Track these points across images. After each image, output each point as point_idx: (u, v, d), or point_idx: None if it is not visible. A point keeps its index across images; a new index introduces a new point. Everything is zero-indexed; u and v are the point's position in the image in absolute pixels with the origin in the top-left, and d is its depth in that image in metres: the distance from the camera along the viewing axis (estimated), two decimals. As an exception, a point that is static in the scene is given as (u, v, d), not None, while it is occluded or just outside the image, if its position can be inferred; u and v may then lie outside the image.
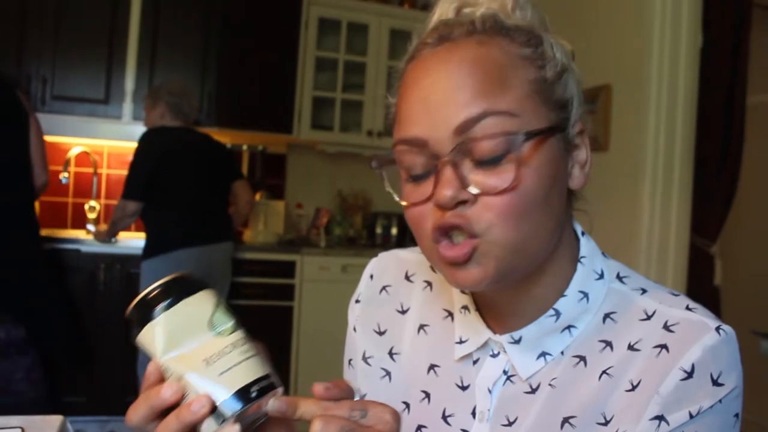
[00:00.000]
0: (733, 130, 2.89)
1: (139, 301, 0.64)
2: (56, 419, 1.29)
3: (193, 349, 0.62)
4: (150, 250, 3.40)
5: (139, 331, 0.64)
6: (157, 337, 0.63)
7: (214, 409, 0.61)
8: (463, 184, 0.67)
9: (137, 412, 0.64)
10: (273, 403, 0.63)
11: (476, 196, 0.67)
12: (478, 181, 0.67)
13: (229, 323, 0.64)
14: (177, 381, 0.62)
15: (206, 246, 3.47)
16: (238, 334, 0.64)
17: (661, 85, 2.87)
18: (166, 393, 0.62)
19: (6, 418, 1.34)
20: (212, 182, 3.56)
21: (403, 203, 0.72)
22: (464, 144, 0.67)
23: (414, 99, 0.70)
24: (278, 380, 0.65)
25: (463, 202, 0.67)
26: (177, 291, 0.64)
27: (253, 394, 0.62)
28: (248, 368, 0.62)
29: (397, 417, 0.67)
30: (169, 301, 0.63)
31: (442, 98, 0.68)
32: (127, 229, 3.78)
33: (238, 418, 0.61)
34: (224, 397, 0.61)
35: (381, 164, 0.74)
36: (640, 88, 2.92)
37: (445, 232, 0.68)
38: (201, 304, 0.64)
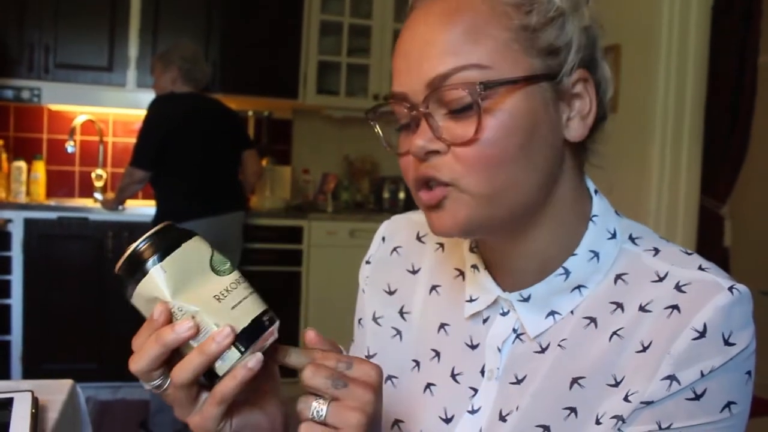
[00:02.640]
0: (744, 91, 2.86)
1: (131, 255, 0.65)
2: (66, 383, 1.31)
3: (201, 288, 0.64)
4: (162, 218, 3.35)
5: (137, 283, 0.64)
6: (163, 281, 0.64)
7: (237, 339, 0.63)
8: (436, 134, 0.69)
9: (146, 354, 0.63)
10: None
11: (448, 147, 0.68)
12: (449, 131, 0.69)
13: (228, 263, 0.66)
14: (190, 317, 0.63)
15: (218, 216, 3.42)
16: (237, 273, 0.66)
17: (671, 45, 2.83)
18: (181, 329, 0.62)
19: (16, 382, 1.36)
20: (223, 151, 3.50)
21: (395, 152, 0.75)
22: (435, 96, 0.69)
23: (398, 53, 0.72)
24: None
25: (436, 152, 0.69)
26: (171, 239, 0.66)
27: (266, 323, 0.65)
28: (255, 301, 0.65)
29: (380, 372, 0.67)
30: (165, 248, 0.64)
31: (418, 53, 0.69)
32: (134, 196, 3.78)
33: (256, 347, 0.64)
34: (242, 326, 0.63)
35: (375, 117, 0.76)
36: (649, 48, 2.88)
37: (423, 182, 0.70)
38: (198, 248, 0.66)
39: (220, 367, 0.63)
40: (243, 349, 0.63)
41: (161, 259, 0.64)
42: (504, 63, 0.67)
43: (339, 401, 0.64)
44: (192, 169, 3.36)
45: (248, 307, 0.65)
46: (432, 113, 0.69)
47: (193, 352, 0.62)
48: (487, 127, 0.67)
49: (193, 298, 0.64)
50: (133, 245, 0.65)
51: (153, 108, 3.35)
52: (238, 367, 0.63)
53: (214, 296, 0.64)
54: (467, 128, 0.67)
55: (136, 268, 0.64)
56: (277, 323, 0.66)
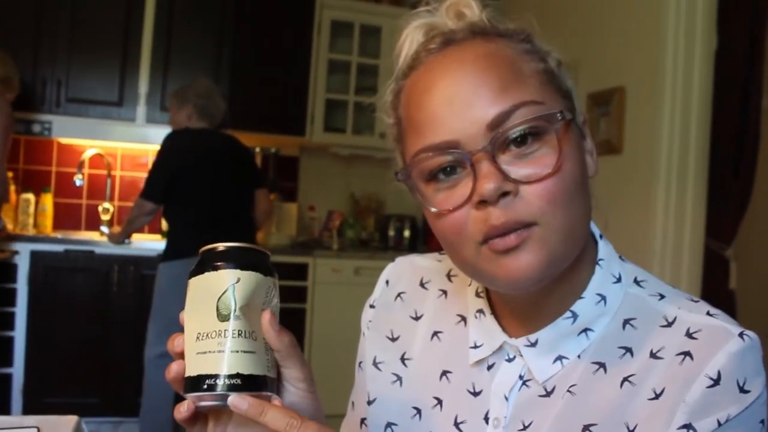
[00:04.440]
0: (748, 133, 2.86)
1: (240, 247, 0.67)
2: (71, 419, 1.30)
3: (198, 319, 0.65)
4: (170, 252, 3.35)
5: (193, 275, 0.67)
6: (189, 292, 0.67)
7: (185, 380, 0.65)
8: (504, 175, 0.66)
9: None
10: (232, 399, 0.62)
11: (518, 187, 0.66)
12: (517, 170, 0.66)
13: (229, 310, 0.64)
14: (181, 336, 0.67)
15: None
16: (237, 325, 0.64)
17: (675, 87, 2.86)
18: (175, 342, 0.67)
19: (21, 418, 1.35)
20: (235, 187, 3.49)
21: (439, 210, 0.69)
22: (498, 137, 0.66)
23: (434, 104, 0.69)
24: (262, 384, 0.65)
25: (506, 194, 0.66)
26: (228, 259, 0.66)
27: (204, 387, 0.63)
28: (220, 360, 0.63)
29: None
30: (213, 264, 0.66)
31: (467, 97, 0.67)
32: (140, 230, 3.79)
33: (196, 399, 0.64)
34: (188, 374, 0.65)
35: (407, 176, 0.72)
36: (654, 90, 2.90)
37: (501, 233, 0.66)
38: (219, 281, 0.65)
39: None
40: (184, 393, 0.65)
41: (193, 274, 0.67)
42: (549, 100, 0.69)
43: None
44: (203, 203, 3.36)
45: (204, 363, 0.63)
46: (494, 155, 0.66)
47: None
48: (564, 159, 0.67)
49: (189, 321, 0.66)
50: (248, 244, 0.68)
51: (167, 141, 3.38)
52: (177, 406, 0.66)
53: (198, 332, 0.64)
54: (541, 163, 0.66)
55: (206, 262, 0.67)
56: (225, 394, 0.63)
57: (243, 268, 0.65)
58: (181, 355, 0.66)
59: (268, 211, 3.78)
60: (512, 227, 0.66)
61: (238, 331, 0.64)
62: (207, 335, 0.64)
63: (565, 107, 0.70)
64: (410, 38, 0.77)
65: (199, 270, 0.66)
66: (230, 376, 0.62)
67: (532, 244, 0.66)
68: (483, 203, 0.66)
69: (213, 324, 0.64)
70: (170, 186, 3.32)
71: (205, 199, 3.36)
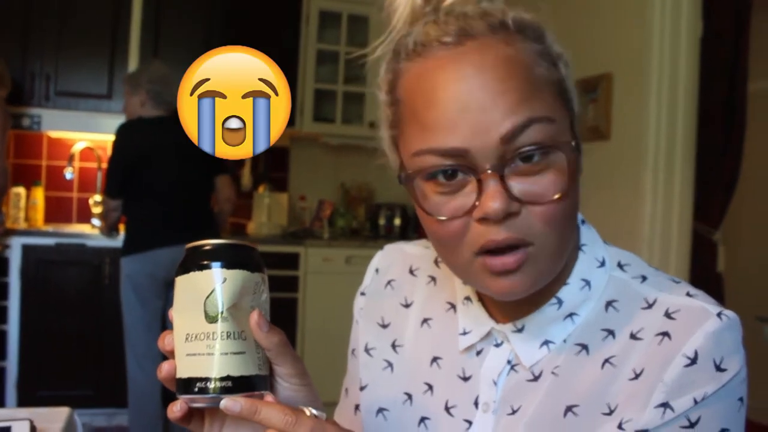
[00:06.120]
0: (735, 117, 2.88)
1: (226, 244, 0.66)
2: (63, 411, 1.31)
3: (186, 319, 0.64)
4: (128, 246, 3.28)
5: (179, 273, 0.66)
6: (176, 290, 0.66)
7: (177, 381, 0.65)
8: (510, 195, 0.65)
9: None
10: (224, 402, 0.61)
11: (521, 207, 0.66)
12: (523, 190, 0.65)
13: (217, 311, 0.63)
14: (171, 335, 0.66)
15: (185, 245, 3.24)
16: (225, 326, 0.63)
17: (662, 73, 2.87)
18: (165, 340, 0.66)
19: (13, 410, 1.36)
20: (194, 177, 3.33)
21: (439, 218, 0.68)
22: (509, 153, 0.65)
23: (447, 107, 0.66)
24: (254, 383, 0.64)
25: (510, 215, 0.65)
26: (214, 258, 0.65)
27: (195, 390, 0.63)
28: (209, 363, 0.63)
29: None
30: (199, 263, 0.64)
31: (483, 105, 0.65)
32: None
33: (188, 400, 0.64)
34: (179, 375, 0.64)
35: (410, 178, 0.70)
36: (641, 76, 2.91)
37: (501, 250, 0.66)
38: (205, 281, 0.64)
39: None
40: (177, 393, 0.65)
41: (181, 272, 0.65)
42: (559, 115, 0.68)
43: None
44: (159, 196, 3.25)
45: (194, 365, 0.63)
46: (502, 172, 0.65)
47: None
48: (571, 185, 0.66)
49: (178, 322, 0.65)
50: (233, 240, 0.66)
51: (119, 134, 3.26)
52: (170, 405, 0.66)
53: (187, 333, 0.64)
54: (548, 185, 0.66)
55: (191, 260, 0.65)
56: (218, 396, 0.63)
57: (229, 266, 0.64)
58: (172, 354, 0.65)
59: (231, 198, 3.59)
60: (511, 243, 0.66)
61: (227, 332, 0.63)
62: (195, 336, 0.63)
63: (570, 119, 0.71)
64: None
65: (185, 269, 0.65)
66: (221, 379, 0.62)
67: (527, 266, 0.67)
68: (485, 220, 0.66)
69: (201, 325, 0.63)
70: (126, 180, 3.23)
71: (160, 192, 3.25)
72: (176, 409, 0.65)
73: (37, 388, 3.67)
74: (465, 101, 0.65)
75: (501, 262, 0.66)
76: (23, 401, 3.62)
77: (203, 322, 0.63)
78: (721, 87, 2.88)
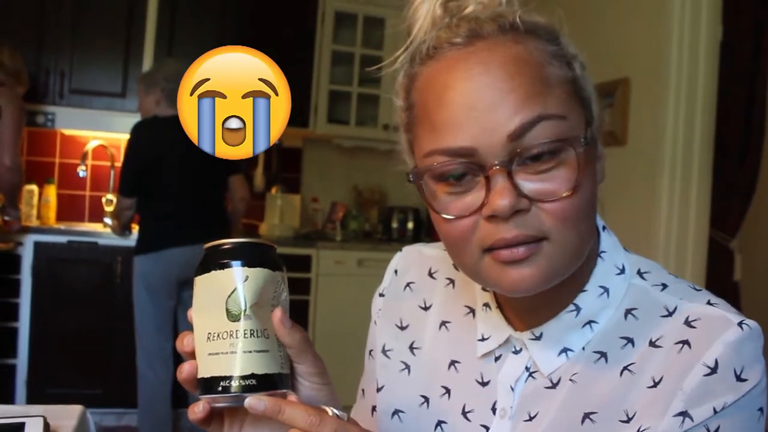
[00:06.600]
0: (754, 124, 2.86)
1: (213, 248, 0.66)
2: (77, 409, 1.32)
3: (207, 318, 0.64)
4: (142, 245, 3.30)
5: (199, 273, 0.66)
6: (195, 290, 0.66)
7: (198, 381, 0.65)
8: (519, 192, 0.65)
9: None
10: (249, 401, 0.61)
11: (530, 204, 0.65)
12: (533, 188, 0.65)
13: (240, 310, 0.63)
14: (191, 335, 0.66)
15: (199, 245, 3.24)
16: (248, 324, 0.63)
17: (680, 78, 2.84)
18: (184, 341, 0.66)
19: (27, 407, 1.36)
20: (208, 176, 3.33)
21: (448, 216, 0.68)
22: (518, 151, 0.65)
23: (455, 106, 0.66)
24: (277, 382, 0.64)
25: (519, 211, 0.65)
26: (234, 256, 0.64)
27: (219, 389, 0.62)
28: (232, 361, 0.62)
29: None
30: (220, 262, 0.64)
31: (491, 103, 0.65)
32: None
33: (210, 400, 0.64)
34: (201, 375, 0.64)
35: (419, 177, 0.71)
36: (658, 81, 2.89)
37: (509, 245, 0.66)
38: (227, 279, 0.64)
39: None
40: (198, 394, 0.65)
41: (200, 272, 0.65)
42: (572, 114, 0.68)
43: None
44: (173, 195, 3.26)
45: (217, 364, 0.63)
46: (511, 169, 0.65)
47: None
48: (582, 180, 0.66)
49: (198, 322, 0.65)
50: (253, 239, 0.66)
51: (134, 134, 3.27)
52: (191, 406, 0.65)
53: (209, 333, 0.63)
54: (559, 182, 0.65)
55: (210, 259, 0.65)
56: (241, 395, 0.63)
57: (251, 265, 0.64)
58: (191, 355, 0.65)
59: (246, 197, 3.61)
60: (522, 241, 0.66)
61: (250, 330, 0.63)
62: (218, 335, 0.63)
63: (586, 118, 0.70)
64: (427, 5, 0.74)
65: (205, 268, 0.65)
66: (244, 377, 0.62)
67: (539, 259, 0.67)
68: (494, 217, 0.66)
69: (223, 324, 0.63)
70: (140, 180, 3.24)
71: (174, 191, 3.26)
72: (198, 410, 0.64)
73: (46, 386, 3.67)
74: (472, 100, 0.66)
75: (510, 252, 0.66)
76: (33, 399, 3.62)
77: (225, 320, 0.63)
78: (740, 93, 2.86)
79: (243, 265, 0.64)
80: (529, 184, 0.65)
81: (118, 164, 4.35)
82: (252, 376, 0.62)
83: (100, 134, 4.23)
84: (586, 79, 0.72)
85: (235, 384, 0.62)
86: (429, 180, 0.70)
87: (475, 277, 0.72)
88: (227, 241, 0.65)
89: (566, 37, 0.72)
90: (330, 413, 0.62)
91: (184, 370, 0.65)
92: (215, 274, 0.64)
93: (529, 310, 0.77)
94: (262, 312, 0.64)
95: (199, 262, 0.66)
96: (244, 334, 0.63)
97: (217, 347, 0.63)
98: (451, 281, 0.90)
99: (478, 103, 0.65)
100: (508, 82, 0.65)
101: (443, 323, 0.88)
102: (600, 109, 0.74)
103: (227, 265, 0.64)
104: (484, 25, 0.69)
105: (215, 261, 0.64)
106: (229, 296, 0.63)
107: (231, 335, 0.62)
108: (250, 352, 0.62)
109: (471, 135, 0.65)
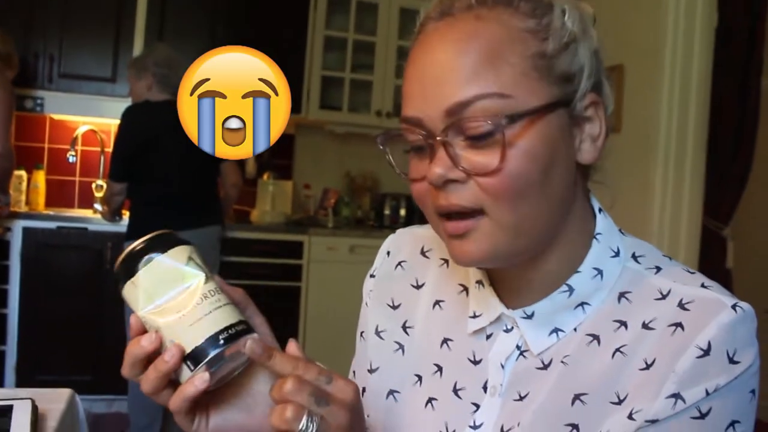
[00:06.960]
0: (747, 112, 2.87)
1: (124, 258, 0.67)
2: (65, 392, 1.33)
3: (168, 301, 0.65)
4: (132, 231, 3.27)
5: (123, 287, 0.67)
6: (136, 291, 0.66)
7: (188, 358, 0.65)
8: (454, 162, 0.68)
9: (125, 364, 0.67)
10: (250, 345, 0.64)
11: (468, 176, 0.67)
12: (469, 159, 0.68)
13: (200, 276, 0.66)
14: (154, 332, 0.66)
15: (190, 230, 3.19)
16: (209, 286, 0.66)
17: (674, 65, 2.84)
18: (144, 343, 0.65)
19: (15, 390, 1.36)
20: (200, 161, 3.18)
21: (404, 175, 0.74)
22: (455, 124, 0.67)
23: (411, 77, 0.71)
24: (250, 326, 0.68)
25: (454, 181, 0.68)
26: (154, 247, 0.67)
27: (221, 341, 0.64)
28: (217, 317, 0.65)
29: (356, 390, 0.67)
30: (147, 257, 0.66)
31: (435, 78, 0.68)
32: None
33: (210, 364, 0.65)
34: (193, 345, 0.64)
35: (385, 140, 0.75)
36: (653, 68, 2.88)
37: (446, 215, 0.70)
38: (175, 258, 0.67)
39: (181, 381, 0.66)
40: (192, 367, 0.65)
41: (142, 267, 0.66)
42: (523, 91, 0.68)
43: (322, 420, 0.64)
44: (164, 181, 3.23)
45: (206, 325, 0.65)
46: (450, 141, 0.68)
47: (150, 368, 0.65)
48: (511, 157, 0.66)
49: (158, 311, 0.65)
50: (128, 248, 0.67)
51: (124, 118, 3.24)
52: (184, 384, 0.65)
53: (177, 311, 0.65)
54: (489, 158, 0.67)
55: (124, 272, 0.67)
56: (245, 338, 0.66)
57: (175, 244, 0.68)
58: (155, 354, 0.66)
59: (238, 183, 3.61)
60: (456, 210, 0.69)
61: (210, 290, 0.66)
62: (190, 305, 0.65)
63: (554, 95, 0.69)
64: None
65: (149, 259, 0.66)
66: (231, 326, 0.65)
67: (478, 235, 0.69)
68: (432, 185, 0.69)
69: (189, 295, 0.65)
70: (131, 164, 3.21)
71: (166, 176, 3.22)
72: (206, 378, 0.65)
73: (36, 373, 3.65)
74: (421, 74, 0.70)
75: (452, 226, 0.70)
76: (22, 385, 3.59)
77: (189, 292, 0.65)
78: (734, 81, 2.86)
79: (164, 249, 0.67)
80: (466, 154, 0.68)
81: (108, 149, 4.32)
82: (241, 322, 0.66)
83: (90, 119, 4.20)
84: (571, 53, 0.70)
85: (224, 336, 0.64)
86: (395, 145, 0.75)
87: (439, 236, 0.75)
88: (140, 241, 0.68)
89: (566, 4, 0.71)
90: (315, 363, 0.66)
91: (173, 351, 0.64)
92: (158, 262, 0.66)
93: (521, 289, 0.77)
94: (211, 276, 0.68)
95: (123, 272, 0.67)
96: (210, 293, 0.66)
97: (197, 312, 0.65)
98: (445, 261, 0.90)
99: (425, 77, 0.69)
100: (455, 60, 0.67)
101: (437, 302, 0.88)
102: (598, 82, 0.74)
103: (167, 249, 0.67)
104: (455, 2, 0.71)
105: (156, 250, 0.67)
106: (184, 269, 0.66)
107: (204, 297, 0.65)
108: (221, 306, 0.66)
109: (417, 106, 0.70)
